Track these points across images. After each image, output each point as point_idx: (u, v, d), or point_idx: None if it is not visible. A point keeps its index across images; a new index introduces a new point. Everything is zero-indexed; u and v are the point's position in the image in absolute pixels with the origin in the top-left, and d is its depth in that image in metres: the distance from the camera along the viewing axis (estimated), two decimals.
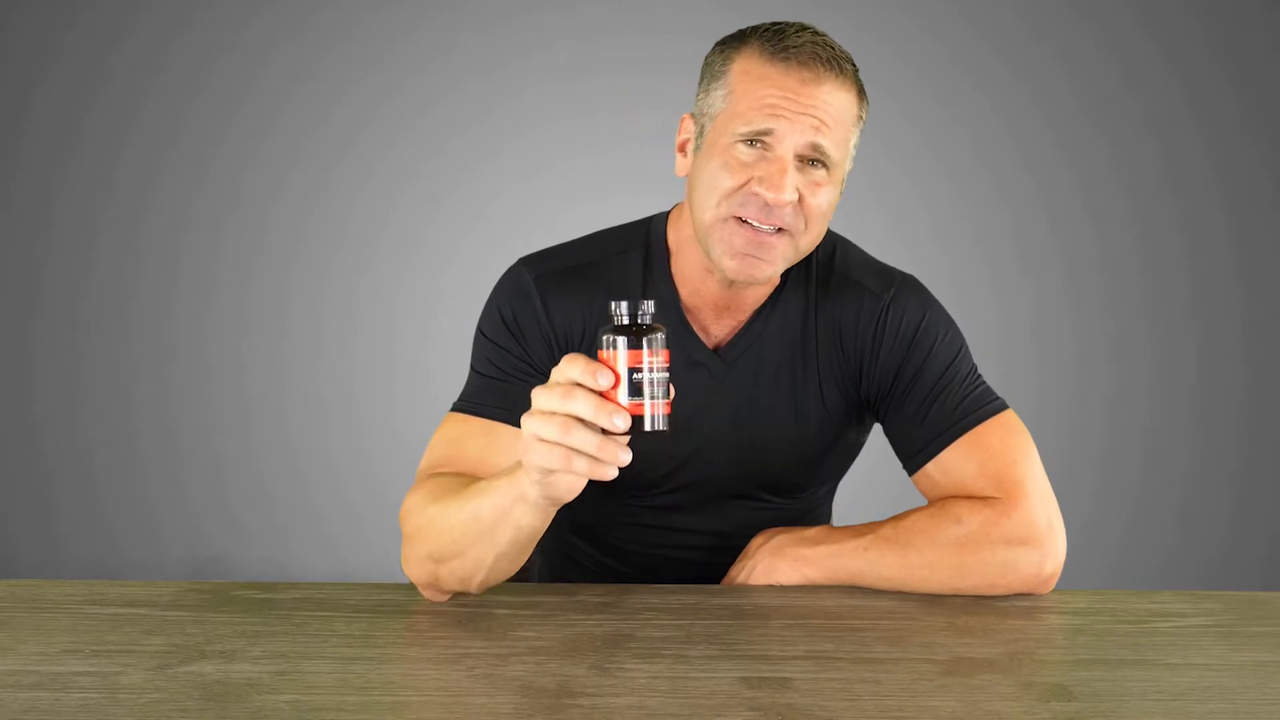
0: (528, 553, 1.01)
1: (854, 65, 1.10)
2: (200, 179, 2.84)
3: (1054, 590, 1.10)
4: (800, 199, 1.06)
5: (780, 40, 1.07)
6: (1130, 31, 2.79)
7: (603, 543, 1.29)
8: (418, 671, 0.92)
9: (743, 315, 1.18)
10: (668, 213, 1.22)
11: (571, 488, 0.89)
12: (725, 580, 1.17)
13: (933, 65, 2.79)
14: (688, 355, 1.17)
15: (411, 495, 1.07)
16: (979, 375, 1.18)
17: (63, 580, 1.10)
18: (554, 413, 0.83)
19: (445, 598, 1.06)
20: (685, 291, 1.17)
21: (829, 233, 1.24)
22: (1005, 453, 1.11)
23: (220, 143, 2.82)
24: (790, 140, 1.04)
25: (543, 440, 0.84)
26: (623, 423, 0.83)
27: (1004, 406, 1.15)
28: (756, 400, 1.18)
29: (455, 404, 1.15)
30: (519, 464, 0.91)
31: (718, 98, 1.09)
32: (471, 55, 2.80)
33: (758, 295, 1.17)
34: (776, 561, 1.13)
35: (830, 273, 1.19)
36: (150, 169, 2.83)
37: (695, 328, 1.18)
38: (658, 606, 1.05)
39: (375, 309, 2.88)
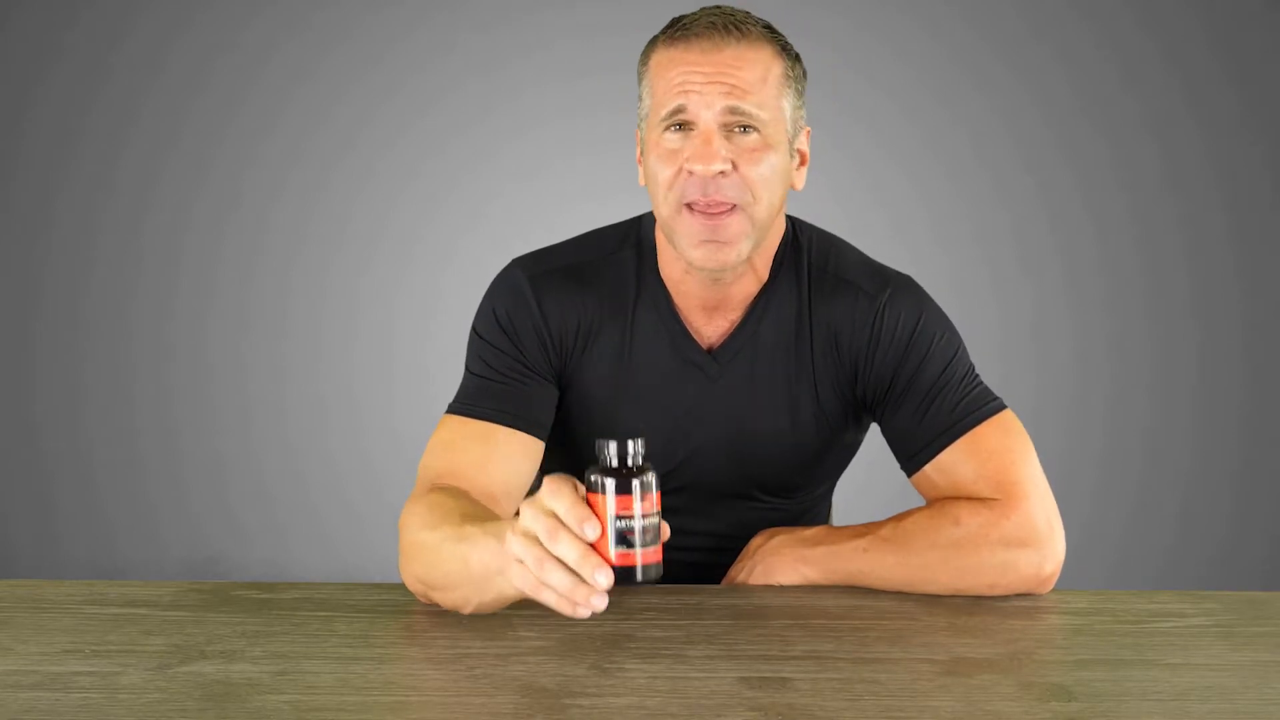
0: (513, 600, 0.97)
1: (769, 29, 1.09)
2: (200, 179, 2.84)
3: (1054, 590, 1.10)
4: (737, 168, 1.05)
5: (678, 25, 1.08)
6: (1130, 31, 2.79)
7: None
8: (418, 671, 0.92)
9: (734, 315, 1.18)
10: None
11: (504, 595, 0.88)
12: (725, 580, 1.17)
13: (933, 65, 2.79)
14: (682, 356, 1.17)
15: (410, 508, 1.06)
16: (977, 375, 1.18)
17: (63, 580, 1.10)
18: (537, 542, 0.80)
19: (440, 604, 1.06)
20: (673, 292, 1.17)
21: (822, 233, 1.23)
22: (1004, 453, 1.11)
23: (220, 143, 2.82)
24: (705, 113, 1.04)
25: (521, 563, 0.82)
26: (605, 579, 0.79)
27: (1002, 407, 1.15)
28: (751, 401, 1.18)
29: (451, 406, 1.15)
30: (509, 528, 0.87)
31: (645, 99, 1.11)
32: (471, 55, 2.80)
33: (744, 292, 1.17)
34: (776, 561, 1.13)
35: (824, 274, 1.19)
36: (150, 169, 2.83)
37: (689, 328, 1.18)
38: (658, 606, 1.05)
39: (375, 309, 2.88)
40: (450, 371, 1.31)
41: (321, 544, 2.88)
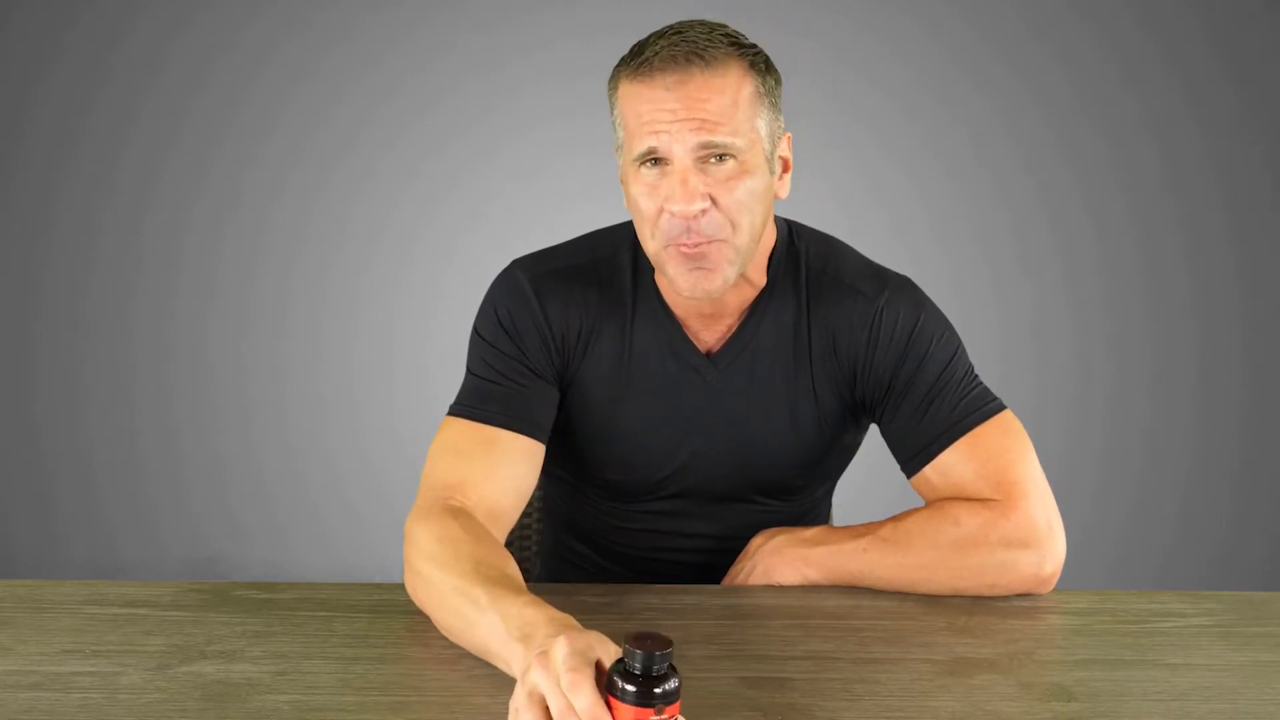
0: None
1: (735, 43, 1.05)
2: (200, 179, 2.83)
3: (1054, 590, 1.10)
4: (715, 202, 1.03)
5: (639, 56, 1.05)
6: (1130, 31, 2.79)
7: (602, 547, 1.29)
8: (418, 671, 0.92)
9: (732, 319, 1.18)
10: None
11: None
12: (725, 581, 1.17)
13: (933, 65, 2.79)
14: (681, 359, 1.17)
15: (420, 525, 1.02)
16: (976, 376, 1.18)
17: (63, 580, 1.10)
18: (545, 713, 0.76)
19: None
20: (669, 299, 1.17)
21: (819, 235, 1.23)
22: (1003, 454, 1.11)
23: (220, 143, 2.82)
24: (678, 150, 1.02)
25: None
26: None
27: (1001, 407, 1.15)
28: (751, 404, 1.18)
29: (453, 408, 1.14)
30: (506, 632, 0.86)
31: (618, 129, 1.09)
32: (471, 55, 2.79)
33: (739, 300, 1.17)
34: (776, 562, 1.13)
35: (822, 276, 1.19)
36: (150, 169, 2.82)
37: (687, 332, 1.18)
38: (658, 606, 1.05)
39: (375, 309, 2.88)
40: (450, 371, 1.31)
41: (321, 544, 2.88)
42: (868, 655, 0.94)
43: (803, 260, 1.19)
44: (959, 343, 1.19)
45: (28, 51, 2.78)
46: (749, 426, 1.18)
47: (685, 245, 1.05)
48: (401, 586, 1.07)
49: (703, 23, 1.06)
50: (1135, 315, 2.86)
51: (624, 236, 1.21)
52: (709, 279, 1.06)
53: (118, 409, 2.88)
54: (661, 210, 1.05)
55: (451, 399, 1.16)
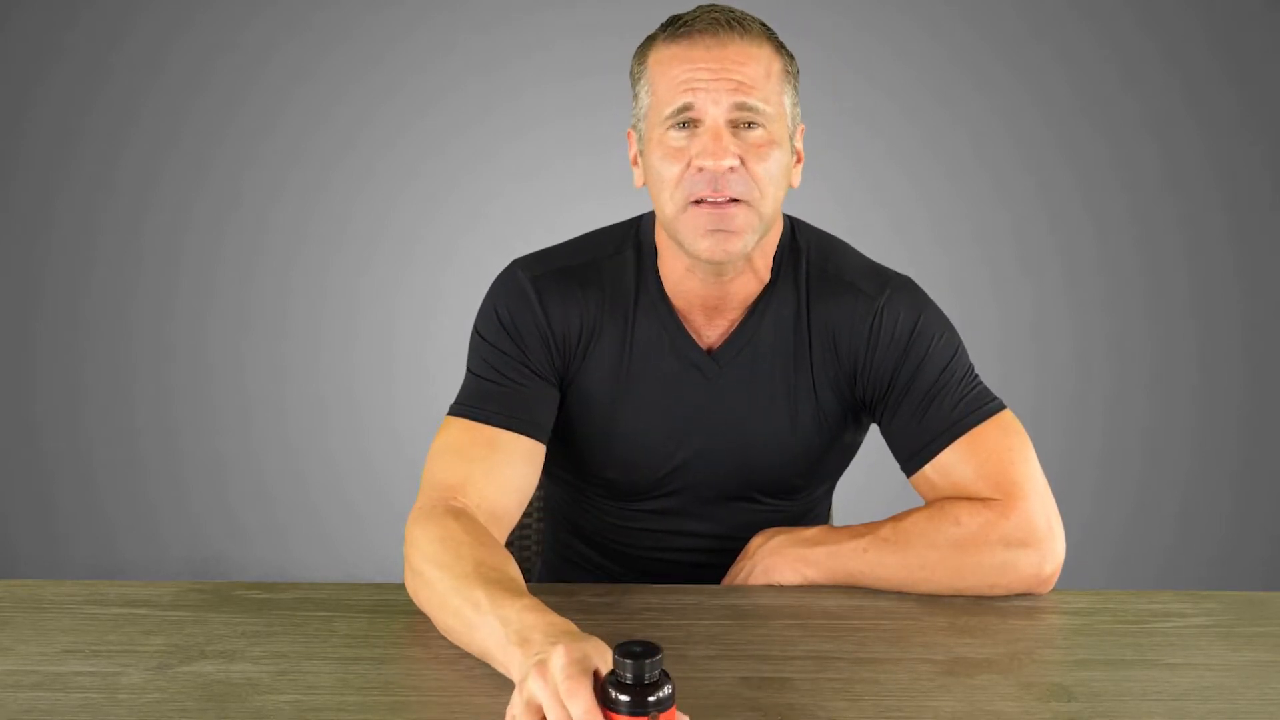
0: None
1: (764, 25, 1.10)
2: (200, 179, 2.83)
3: (1054, 590, 1.10)
4: (745, 164, 1.05)
5: (679, 23, 1.08)
6: (1130, 31, 2.79)
7: (602, 546, 1.29)
8: (418, 671, 0.92)
9: (734, 315, 1.18)
10: (654, 213, 1.22)
11: None
12: (725, 580, 1.17)
13: (933, 65, 2.79)
14: (682, 357, 1.17)
15: (420, 525, 1.03)
16: (976, 376, 1.18)
17: (63, 580, 1.10)
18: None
19: None
20: (673, 293, 1.17)
21: (821, 233, 1.23)
22: (1003, 453, 1.11)
23: (220, 143, 2.82)
24: (713, 109, 1.04)
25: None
26: None
27: (1001, 407, 1.15)
28: (751, 403, 1.18)
29: (454, 407, 1.14)
30: (504, 635, 0.86)
31: (644, 98, 1.10)
32: (471, 55, 2.79)
33: (744, 292, 1.17)
34: (776, 561, 1.13)
35: (823, 275, 1.19)
36: (150, 169, 2.83)
37: (689, 330, 1.18)
38: (658, 606, 1.05)
39: (375, 309, 2.88)
40: (450, 371, 1.31)
41: (321, 544, 2.88)
42: (868, 655, 0.94)
43: (804, 257, 1.19)
44: (959, 342, 1.19)
45: (28, 51, 2.78)
46: (749, 425, 1.19)
47: (710, 201, 1.05)
48: (401, 587, 1.07)
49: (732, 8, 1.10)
50: (1135, 315, 2.86)
51: (626, 235, 1.21)
52: (730, 241, 1.07)
53: (118, 409, 2.88)
54: (688, 167, 1.05)
55: (451, 399, 1.16)
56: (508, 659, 0.85)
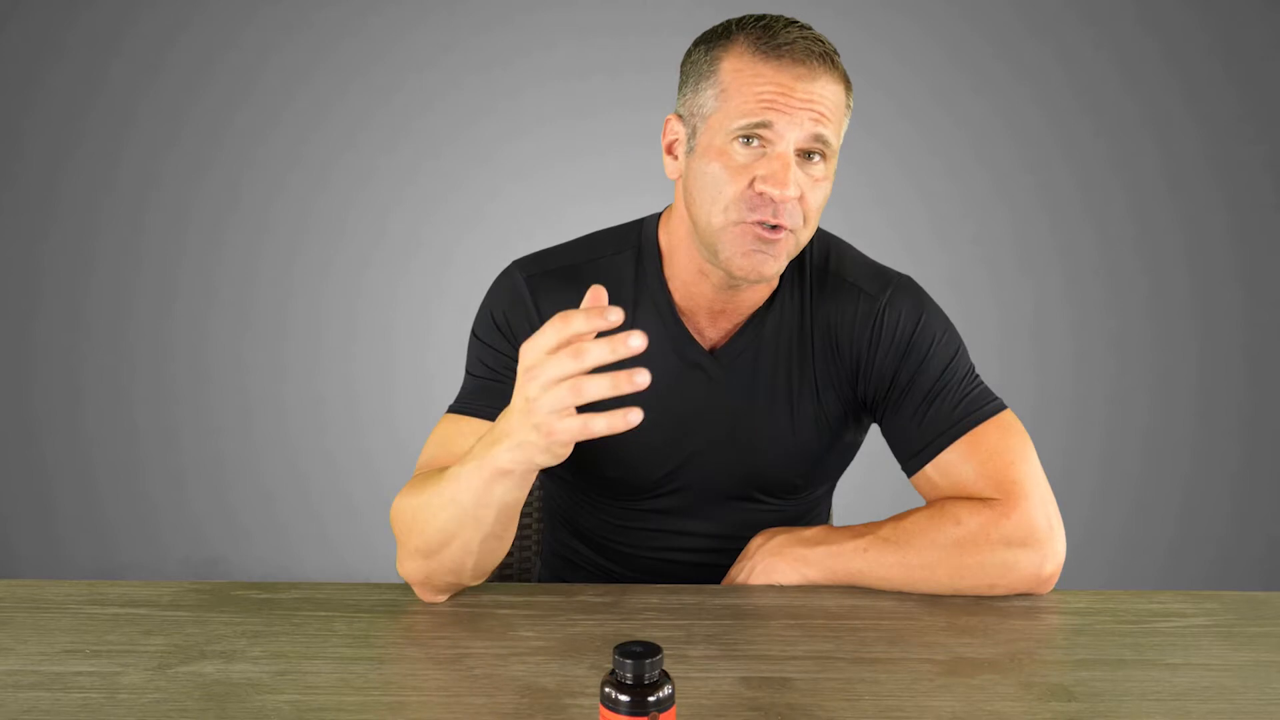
0: (513, 527, 1.00)
1: (838, 55, 1.09)
2: (200, 179, 2.84)
3: (1054, 590, 1.10)
4: (803, 196, 1.05)
5: (771, 37, 1.05)
6: (1130, 31, 2.79)
7: (603, 547, 1.29)
8: (418, 671, 0.92)
9: (738, 318, 1.18)
10: (659, 215, 1.21)
11: (556, 454, 0.88)
12: (725, 580, 1.17)
13: (933, 65, 2.79)
14: (684, 357, 1.17)
15: (399, 497, 1.07)
16: (976, 376, 1.18)
17: (63, 580, 1.10)
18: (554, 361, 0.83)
19: (441, 597, 1.06)
20: (679, 295, 1.17)
21: (822, 233, 1.24)
22: (1004, 453, 1.11)
23: (220, 143, 2.82)
24: (790, 135, 1.03)
25: (544, 384, 0.83)
26: (639, 341, 0.82)
27: (1002, 407, 1.15)
28: (753, 402, 1.18)
29: (450, 406, 1.16)
30: (488, 440, 0.92)
31: (708, 97, 1.07)
32: (471, 55, 2.80)
33: (754, 298, 1.17)
34: (776, 561, 1.13)
35: (825, 275, 1.19)
36: (150, 169, 2.83)
37: (691, 330, 1.18)
38: (658, 606, 1.05)
39: (375, 309, 2.88)
40: (450, 371, 1.31)
41: (321, 544, 2.88)
42: (868, 655, 0.94)
43: (807, 258, 1.20)
44: (960, 342, 1.19)
45: (28, 51, 2.78)
46: (750, 424, 1.19)
47: (763, 227, 1.05)
48: (402, 586, 1.08)
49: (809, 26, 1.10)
50: (1135, 315, 2.86)
51: (627, 237, 1.21)
52: (769, 264, 1.07)
53: (118, 409, 2.88)
54: (750, 186, 1.05)
55: (451, 399, 1.17)
56: (493, 449, 0.91)
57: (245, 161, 2.83)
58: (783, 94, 1.03)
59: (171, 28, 2.79)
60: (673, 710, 0.74)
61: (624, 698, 0.73)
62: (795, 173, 1.04)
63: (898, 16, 2.78)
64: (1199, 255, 2.84)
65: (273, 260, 2.86)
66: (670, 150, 1.13)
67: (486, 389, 1.14)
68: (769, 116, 1.03)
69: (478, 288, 1.23)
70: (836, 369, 1.18)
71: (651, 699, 0.73)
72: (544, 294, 1.16)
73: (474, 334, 1.19)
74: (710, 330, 1.18)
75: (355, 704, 0.84)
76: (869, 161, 2.80)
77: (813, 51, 1.05)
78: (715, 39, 1.08)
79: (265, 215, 2.85)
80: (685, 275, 1.16)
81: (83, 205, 2.83)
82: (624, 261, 1.19)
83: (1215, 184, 2.82)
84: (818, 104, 1.04)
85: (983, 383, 1.17)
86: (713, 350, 1.18)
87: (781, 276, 1.18)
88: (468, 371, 1.18)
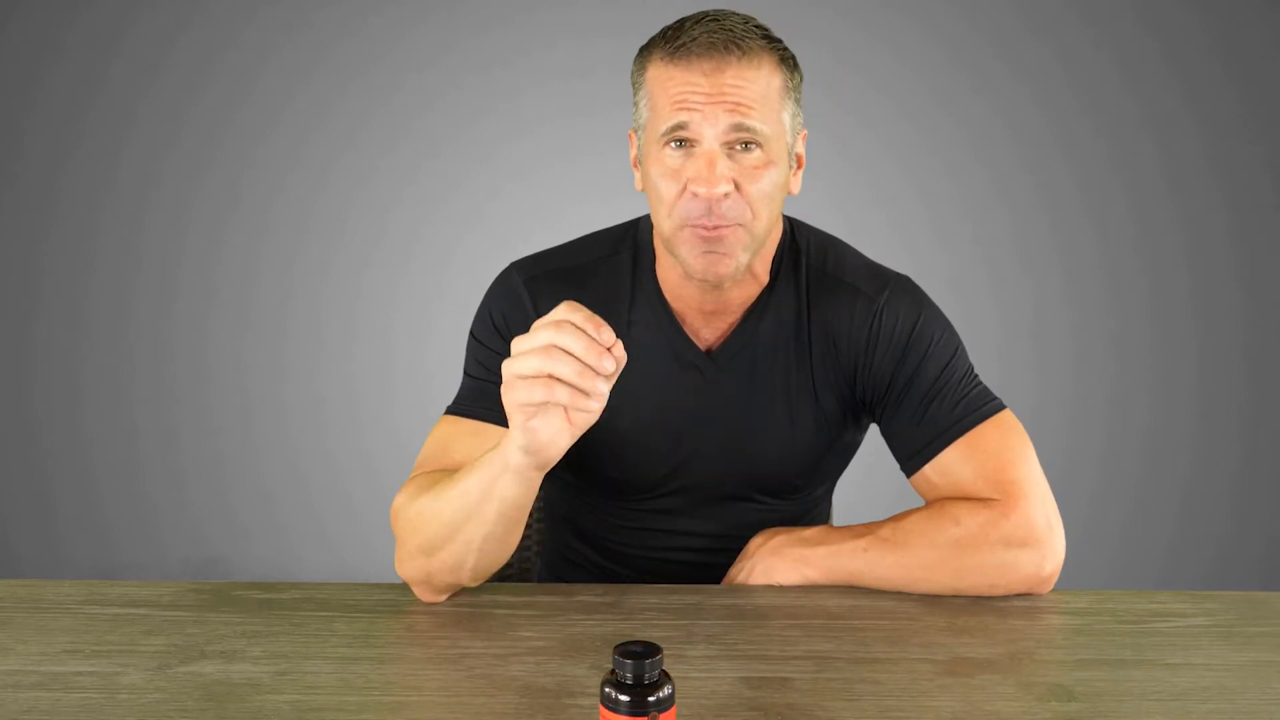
0: (516, 533, 1.00)
1: (766, 37, 1.07)
2: (200, 179, 2.83)
3: (1054, 590, 1.10)
4: (739, 187, 1.04)
5: (676, 38, 1.05)
6: (1130, 31, 2.79)
7: (603, 547, 1.29)
8: (418, 671, 0.92)
9: (732, 317, 1.18)
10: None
11: (554, 440, 0.89)
12: (725, 580, 1.17)
13: (933, 65, 2.79)
14: (680, 357, 1.17)
15: (399, 495, 1.08)
16: (976, 376, 1.18)
17: (63, 580, 1.10)
18: (539, 348, 0.85)
19: (440, 597, 1.06)
20: (671, 296, 1.17)
21: (820, 234, 1.24)
22: (1003, 453, 1.11)
23: (220, 143, 2.82)
24: (708, 131, 1.03)
25: (523, 377, 0.85)
26: (611, 365, 0.85)
27: (1001, 407, 1.15)
28: (750, 402, 1.18)
29: (449, 407, 1.16)
30: (500, 442, 0.93)
31: (643, 109, 1.09)
32: (471, 55, 2.79)
33: (742, 296, 1.17)
34: (776, 561, 1.13)
35: (823, 275, 1.19)
36: (150, 169, 2.82)
37: (687, 331, 1.18)
38: (658, 606, 1.05)
39: (375, 309, 2.88)
40: (450, 371, 1.31)
41: (321, 544, 2.88)
42: (868, 655, 0.94)
43: (804, 258, 1.20)
44: (959, 342, 1.19)
45: (28, 51, 2.78)
46: (748, 425, 1.19)
47: (704, 228, 1.05)
48: (401, 586, 1.08)
49: (735, 13, 1.08)
50: (1135, 315, 2.86)
51: (623, 237, 1.21)
52: (723, 262, 1.07)
53: (118, 409, 2.88)
54: (683, 191, 1.05)
55: (450, 399, 1.17)
56: (500, 456, 0.93)
57: (245, 161, 2.83)
58: (692, 92, 1.03)
59: (171, 28, 2.79)
60: (673, 710, 0.74)
61: (624, 698, 0.73)
62: (723, 167, 1.03)
63: (898, 16, 2.78)
64: (1199, 255, 2.84)
65: (273, 260, 2.86)
66: (635, 164, 1.15)
67: (484, 391, 1.14)
68: (682, 117, 1.03)
69: (478, 288, 1.23)
70: (835, 369, 1.18)
71: (651, 699, 0.73)
72: (542, 295, 1.16)
73: (472, 335, 1.19)
74: (705, 331, 1.18)
75: (355, 704, 0.84)
76: (869, 161, 2.79)
77: (715, 44, 1.03)
78: (642, 50, 1.10)
79: (265, 215, 2.85)
80: (672, 279, 1.16)
81: (83, 205, 2.83)
82: (621, 263, 1.19)
83: (1215, 184, 2.82)
84: (730, 95, 1.03)
85: (982, 383, 1.17)
86: (709, 351, 1.18)
87: (777, 276, 1.18)
88: (466, 373, 1.18)
